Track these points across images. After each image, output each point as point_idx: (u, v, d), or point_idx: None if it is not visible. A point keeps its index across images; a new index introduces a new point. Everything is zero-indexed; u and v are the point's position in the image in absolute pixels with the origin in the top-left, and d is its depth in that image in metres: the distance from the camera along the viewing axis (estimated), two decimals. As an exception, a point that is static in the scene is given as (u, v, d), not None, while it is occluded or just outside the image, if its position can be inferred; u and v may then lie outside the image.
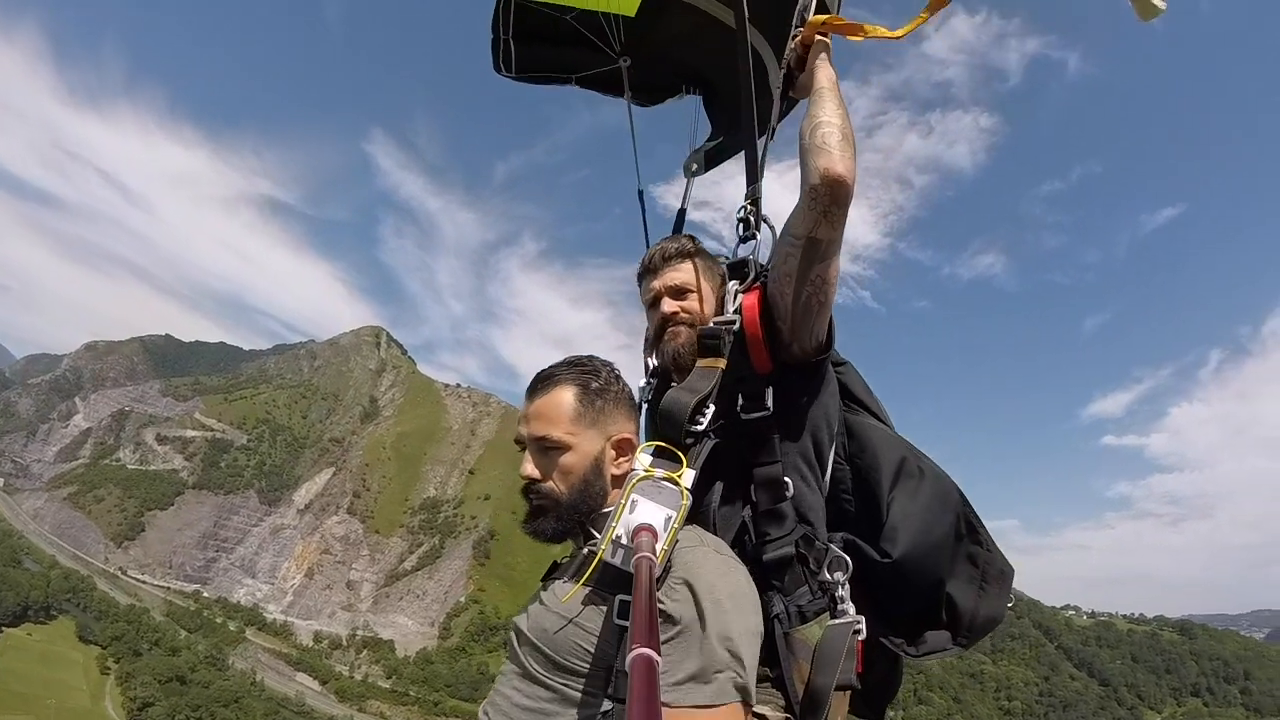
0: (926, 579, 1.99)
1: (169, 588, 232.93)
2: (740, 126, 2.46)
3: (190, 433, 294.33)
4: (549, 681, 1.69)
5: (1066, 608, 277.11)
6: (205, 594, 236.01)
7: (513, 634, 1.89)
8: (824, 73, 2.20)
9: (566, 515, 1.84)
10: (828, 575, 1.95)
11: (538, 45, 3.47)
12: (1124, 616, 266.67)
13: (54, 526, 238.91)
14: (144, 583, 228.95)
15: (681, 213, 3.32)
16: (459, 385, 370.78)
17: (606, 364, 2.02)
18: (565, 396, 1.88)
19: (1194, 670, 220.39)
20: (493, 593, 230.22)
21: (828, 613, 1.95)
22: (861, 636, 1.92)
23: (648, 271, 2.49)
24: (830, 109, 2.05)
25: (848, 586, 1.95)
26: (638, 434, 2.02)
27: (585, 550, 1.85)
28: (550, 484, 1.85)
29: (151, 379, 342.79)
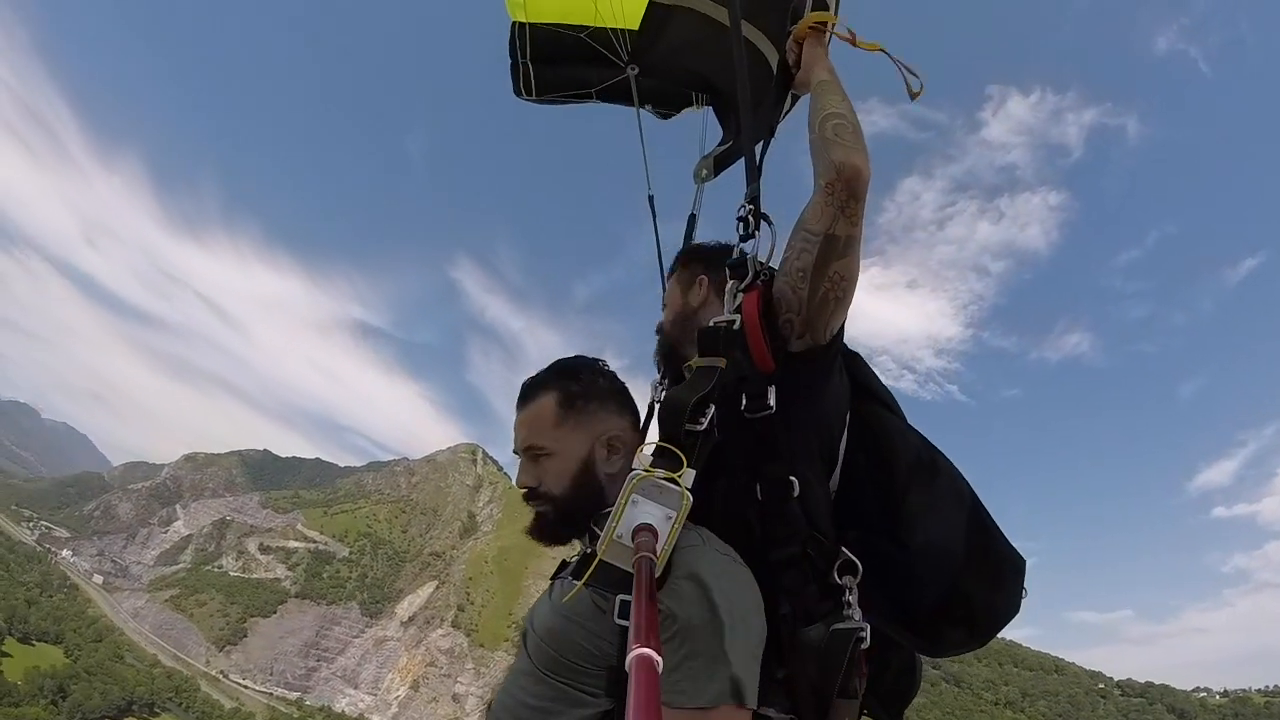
0: (942, 574, 1.95)
1: (271, 694, 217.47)
2: (739, 126, 2.41)
3: (293, 543, 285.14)
4: (553, 680, 1.70)
5: (1198, 690, 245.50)
6: (308, 702, 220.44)
7: (521, 635, 1.89)
8: (823, 66, 2.19)
9: (564, 518, 1.86)
10: (836, 578, 1.89)
11: (553, 66, 3.54)
12: (1258, 690, 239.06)
13: (155, 627, 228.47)
14: (246, 687, 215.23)
15: (692, 218, 3.28)
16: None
17: (590, 363, 2.03)
18: (546, 403, 1.90)
19: None
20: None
21: (833, 615, 1.87)
22: (865, 645, 1.83)
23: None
24: (836, 100, 2.04)
25: (856, 591, 1.89)
26: (635, 427, 2.02)
27: (588, 550, 1.84)
28: (546, 489, 1.86)
29: (250, 491, 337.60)
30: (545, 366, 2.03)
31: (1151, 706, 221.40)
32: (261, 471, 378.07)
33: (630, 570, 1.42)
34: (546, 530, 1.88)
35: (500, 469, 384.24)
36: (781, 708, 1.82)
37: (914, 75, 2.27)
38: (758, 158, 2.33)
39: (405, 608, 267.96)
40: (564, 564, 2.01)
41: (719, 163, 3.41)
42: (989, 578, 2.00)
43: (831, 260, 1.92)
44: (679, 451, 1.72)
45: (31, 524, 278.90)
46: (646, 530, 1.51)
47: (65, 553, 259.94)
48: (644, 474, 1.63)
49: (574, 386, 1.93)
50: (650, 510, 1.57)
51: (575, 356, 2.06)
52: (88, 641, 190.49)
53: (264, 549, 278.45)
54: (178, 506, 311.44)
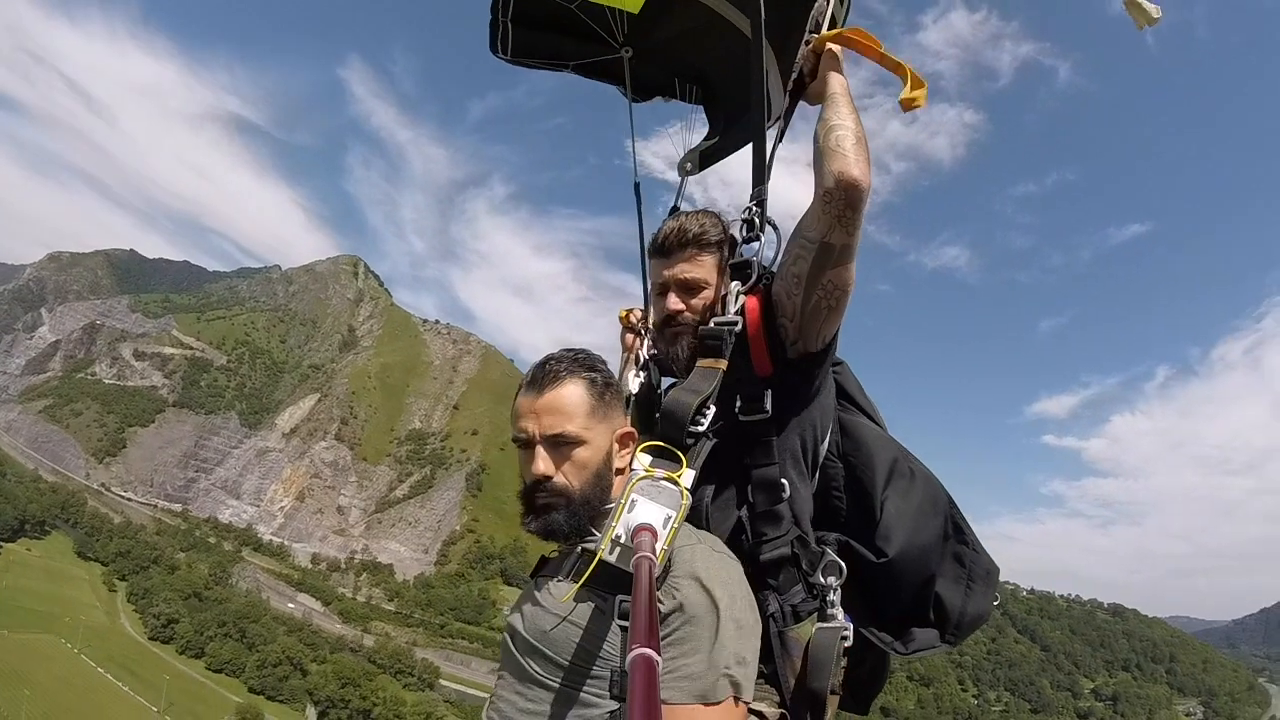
0: (917, 578, 2.00)
1: (156, 505, 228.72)
2: (751, 126, 2.40)
3: (168, 350, 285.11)
4: (549, 682, 1.68)
5: (1007, 582, 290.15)
6: (193, 513, 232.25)
7: (507, 635, 1.87)
8: (837, 79, 2.20)
9: (580, 510, 1.80)
10: (821, 579, 1.95)
11: (536, 30, 3.43)
12: (1061, 596, 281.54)
13: (30, 440, 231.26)
14: (129, 500, 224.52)
15: (674, 210, 3.16)
16: (437, 321, 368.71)
17: (602, 361, 2.00)
18: (578, 390, 1.84)
19: (1125, 648, 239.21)
20: (486, 524, 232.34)
21: (818, 614, 1.96)
22: (848, 643, 1.92)
23: (659, 252, 2.39)
24: (844, 113, 2.06)
25: (839, 591, 1.96)
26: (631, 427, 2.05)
27: (580, 549, 1.82)
28: (563, 480, 1.80)
29: (117, 294, 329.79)
30: (555, 353, 1.94)
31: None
32: (128, 273, 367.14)
33: (630, 570, 1.43)
34: (552, 524, 1.80)
35: (381, 284, 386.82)
36: (772, 703, 1.88)
37: (920, 85, 2.21)
38: (767, 159, 2.32)
39: (286, 419, 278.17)
40: (543, 560, 2.00)
41: (705, 157, 3.40)
42: (965, 585, 2.10)
43: (826, 268, 1.96)
44: (679, 453, 1.78)
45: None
46: (646, 530, 1.53)
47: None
48: (644, 474, 1.68)
49: (600, 377, 1.89)
50: (650, 511, 1.60)
51: (583, 349, 1.97)
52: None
53: (139, 355, 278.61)
54: (43, 311, 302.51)
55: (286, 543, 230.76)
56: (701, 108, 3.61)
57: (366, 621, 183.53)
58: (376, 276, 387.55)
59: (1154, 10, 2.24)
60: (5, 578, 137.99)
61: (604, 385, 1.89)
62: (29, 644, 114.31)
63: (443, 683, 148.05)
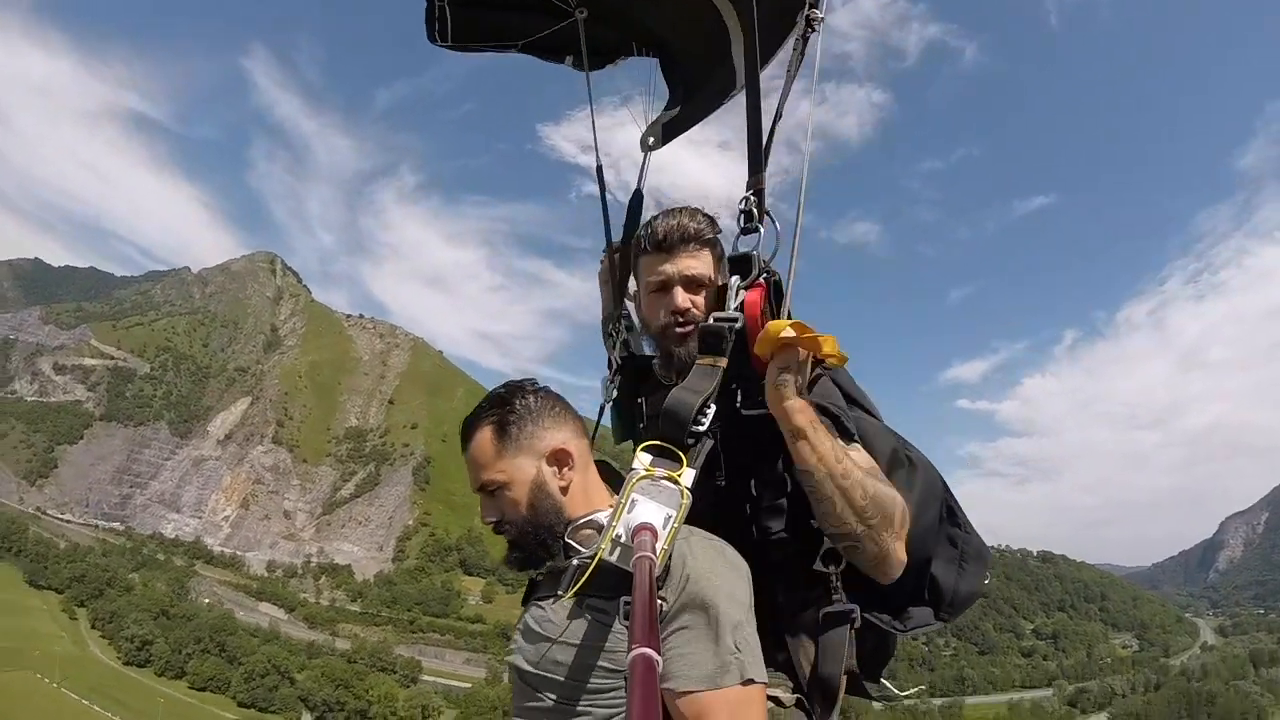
0: (916, 561, 2.00)
1: (97, 525, 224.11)
2: (747, 111, 2.28)
3: (89, 361, 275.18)
4: (573, 708, 1.69)
5: None
6: (137, 530, 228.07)
7: (515, 675, 1.87)
8: (798, 407, 1.88)
9: (530, 541, 1.85)
10: (821, 566, 1.98)
11: (478, 10, 3.23)
12: (993, 548, 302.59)
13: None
14: (68, 522, 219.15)
15: (637, 194, 3.03)
16: (361, 316, 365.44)
17: (518, 385, 1.99)
18: (484, 438, 1.89)
19: (1058, 589, 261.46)
20: (439, 516, 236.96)
21: (823, 600, 1.98)
22: (856, 625, 1.96)
23: (659, 248, 2.30)
24: (814, 461, 1.83)
25: (839, 577, 1.98)
26: (581, 434, 1.98)
27: (575, 562, 1.83)
28: (507, 521, 1.86)
29: (26, 306, 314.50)
30: (479, 402, 2.02)
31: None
32: (34, 284, 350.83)
33: (630, 570, 1.45)
34: (521, 557, 1.88)
35: (300, 280, 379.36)
36: (787, 689, 1.90)
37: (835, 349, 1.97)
38: (764, 142, 2.24)
39: (219, 425, 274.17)
40: (532, 584, 2.01)
41: (669, 130, 3.20)
42: (957, 565, 2.15)
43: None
44: (679, 452, 1.77)
45: None
46: (646, 530, 1.54)
47: None
48: (644, 473, 1.68)
49: (505, 414, 1.91)
50: (650, 510, 1.61)
51: (505, 383, 2.02)
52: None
53: (59, 369, 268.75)
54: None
55: (238, 553, 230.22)
56: (652, 79, 3.36)
57: (334, 625, 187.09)
58: (294, 273, 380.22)
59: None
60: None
61: (514, 421, 1.89)
62: (4, 683, 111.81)
63: (425, 677, 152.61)
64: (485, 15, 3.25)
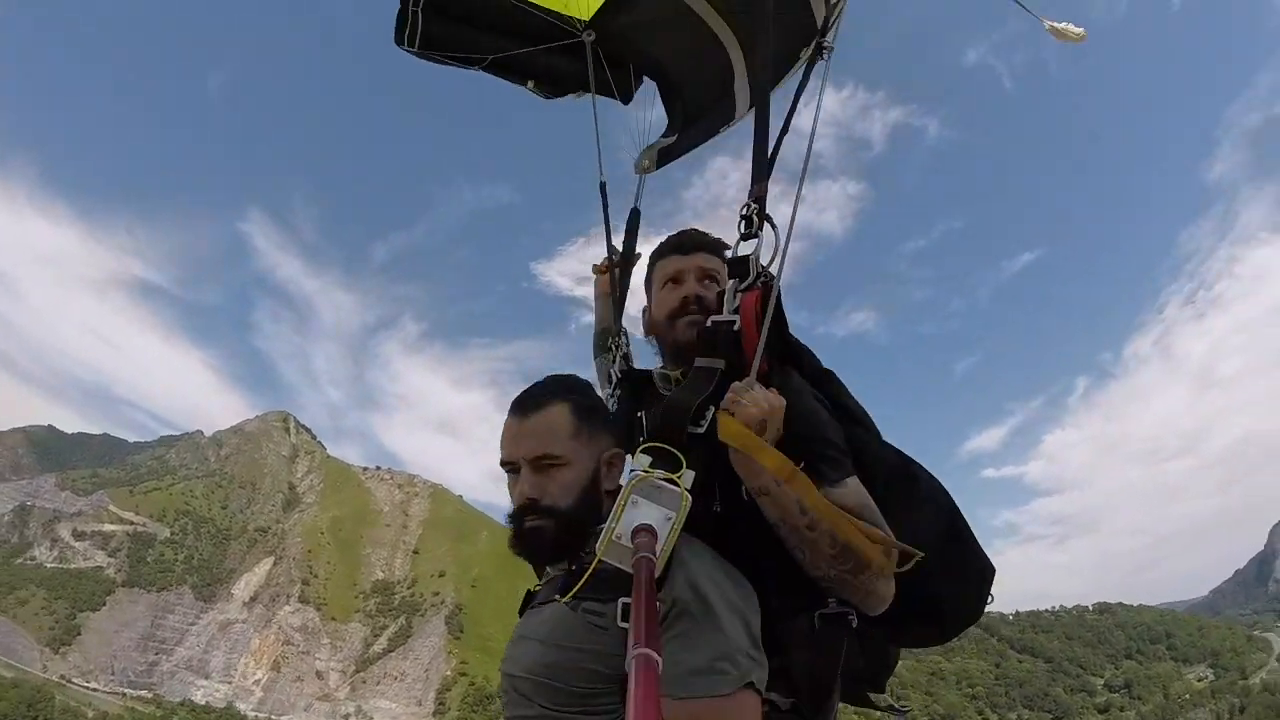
0: (913, 576, 1.95)
1: (125, 694, 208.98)
2: (755, 120, 2.34)
3: (109, 527, 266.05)
4: (566, 715, 1.65)
5: (992, 612, 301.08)
6: (166, 698, 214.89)
7: (507, 685, 1.82)
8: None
9: (566, 530, 1.81)
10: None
11: (453, 23, 3.25)
12: (1047, 610, 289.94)
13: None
14: (94, 690, 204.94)
15: (635, 212, 3.19)
16: (377, 468, 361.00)
17: (588, 383, 2.03)
18: (561, 413, 1.87)
19: (1122, 638, 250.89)
20: (476, 664, 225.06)
21: (818, 605, 1.94)
22: (854, 625, 1.94)
23: (676, 250, 2.47)
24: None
25: None
26: (623, 448, 2.03)
27: (573, 568, 1.81)
28: (550, 502, 1.82)
29: (42, 473, 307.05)
30: (540, 380, 2.00)
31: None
32: (48, 450, 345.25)
33: (629, 570, 1.43)
34: (541, 546, 1.85)
35: (314, 437, 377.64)
36: (783, 693, 1.87)
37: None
38: (769, 152, 2.30)
39: (243, 588, 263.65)
40: (530, 594, 1.99)
41: (663, 155, 3.26)
42: (959, 582, 2.12)
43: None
44: (678, 453, 1.74)
45: None
46: (646, 531, 1.52)
47: None
48: (644, 474, 1.65)
49: (585, 401, 1.92)
50: (649, 511, 1.58)
51: (570, 374, 2.02)
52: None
53: (78, 535, 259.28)
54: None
55: (273, 717, 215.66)
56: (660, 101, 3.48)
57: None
58: (308, 430, 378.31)
59: (1076, 32, 2.44)
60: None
61: (589, 408, 1.92)
62: None
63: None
64: (458, 30, 3.27)
